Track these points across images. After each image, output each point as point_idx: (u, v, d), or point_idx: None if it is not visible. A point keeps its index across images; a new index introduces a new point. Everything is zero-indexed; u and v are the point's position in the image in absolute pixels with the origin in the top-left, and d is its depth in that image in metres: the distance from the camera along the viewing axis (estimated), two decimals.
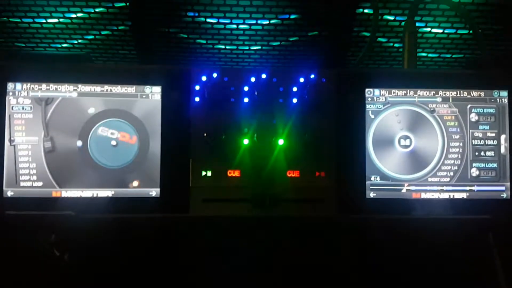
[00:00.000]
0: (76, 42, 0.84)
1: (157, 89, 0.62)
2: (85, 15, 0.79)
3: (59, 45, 0.85)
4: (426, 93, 0.64)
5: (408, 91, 0.64)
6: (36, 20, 0.80)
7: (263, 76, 0.64)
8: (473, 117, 0.64)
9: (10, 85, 0.61)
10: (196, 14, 0.80)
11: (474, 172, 0.64)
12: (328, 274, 0.66)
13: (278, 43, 0.84)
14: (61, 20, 0.80)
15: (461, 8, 0.74)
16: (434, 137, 0.64)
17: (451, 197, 0.63)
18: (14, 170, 0.60)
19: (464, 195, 0.63)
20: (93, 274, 0.64)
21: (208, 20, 0.80)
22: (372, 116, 0.64)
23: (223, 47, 0.86)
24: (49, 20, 0.80)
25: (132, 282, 0.65)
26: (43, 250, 0.63)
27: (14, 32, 0.82)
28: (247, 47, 0.86)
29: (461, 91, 0.64)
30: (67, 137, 0.61)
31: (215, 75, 0.63)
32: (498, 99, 0.64)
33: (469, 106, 0.64)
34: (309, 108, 0.63)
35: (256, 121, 0.63)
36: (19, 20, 0.80)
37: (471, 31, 0.79)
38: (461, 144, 0.64)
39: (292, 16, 0.80)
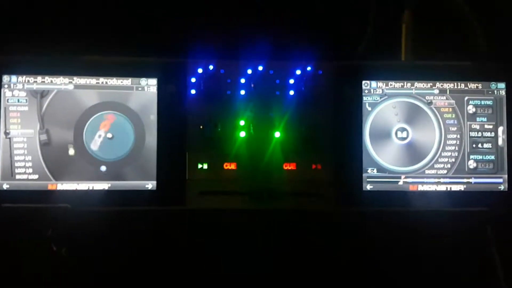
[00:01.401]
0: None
1: (153, 82, 0.62)
2: None
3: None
4: (423, 85, 0.64)
5: (405, 83, 0.64)
6: None
7: (260, 68, 0.64)
8: (471, 109, 0.64)
9: (5, 78, 0.61)
10: None
11: (472, 164, 0.63)
12: (324, 267, 0.66)
13: (276, 35, 0.84)
14: None
15: (460, 1, 0.74)
16: (431, 129, 0.64)
17: (449, 189, 0.63)
18: (9, 162, 0.60)
19: (461, 187, 0.63)
20: (89, 267, 0.64)
21: None
22: (369, 108, 0.64)
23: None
24: None
25: (129, 275, 0.65)
26: (40, 243, 0.62)
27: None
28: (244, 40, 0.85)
29: (459, 83, 0.64)
30: (62, 129, 0.61)
31: (211, 67, 0.63)
32: (495, 91, 0.64)
33: (466, 98, 0.64)
34: (306, 100, 0.63)
35: (252, 114, 0.63)
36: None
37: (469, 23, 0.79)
38: (458, 136, 0.64)
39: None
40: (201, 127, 0.62)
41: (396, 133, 0.64)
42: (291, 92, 0.63)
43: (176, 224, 0.64)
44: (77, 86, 0.61)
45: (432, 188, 0.63)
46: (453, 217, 0.63)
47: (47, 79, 0.61)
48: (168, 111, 0.62)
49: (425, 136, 0.64)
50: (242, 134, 0.63)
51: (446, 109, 0.64)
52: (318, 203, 0.62)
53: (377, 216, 0.63)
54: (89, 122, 0.61)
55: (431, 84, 0.64)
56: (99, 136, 0.61)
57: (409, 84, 0.64)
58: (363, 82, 0.64)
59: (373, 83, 0.64)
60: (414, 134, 0.64)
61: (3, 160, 0.60)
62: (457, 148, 0.63)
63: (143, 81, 0.62)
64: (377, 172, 0.63)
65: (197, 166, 0.62)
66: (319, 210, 0.63)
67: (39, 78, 0.61)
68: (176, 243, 0.66)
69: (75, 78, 0.61)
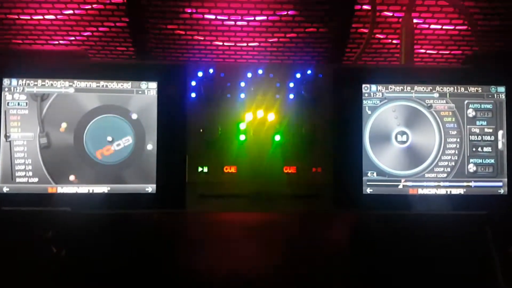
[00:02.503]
0: (73, 39, 0.84)
1: (153, 85, 0.62)
2: (83, 11, 0.79)
3: (56, 42, 0.85)
4: (423, 89, 0.64)
5: (405, 87, 0.64)
6: (34, 17, 0.80)
7: (260, 71, 0.64)
8: (471, 112, 0.64)
9: (5, 81, 0.61)
10: (194, 11, 0.79)
11: (471, 168, 0.63)
12: (324, 269, 0.66)
13: (276, 39, 0.84)
14: (58, 17, 0.80)
15: (459, 4, 0.74)
16: (431, 132, 0.64)
17: (448, 193, 0.63)
18: (9, 166, 0.60)
19: (461, 191, 0.63)
20: (88, 270, 0.64)
21: (206, 16, 0.80)
22: (369, 112, 0.64)
23: (221, 43, 0.85)
24: (47, 17, 0.80)
25: (128, 278, 0.65)
26: (40, 246, 0.63)
27: (12, 29, 0.82)
28: (245, 44, 0.86)
29: (459, 87, 0.64)
30: (62, 133, 0.61)
31: (211, 70, 0.63)
32: (495, 95, 0.64)
33: (466, 101, 0.64)
34: (306, 103, 0.63)
35: (252, 117, 0.63)
36: (16, 17, 0.80)
37: (469, 27, 0.79)
38: (458, 140, 0.64)
39: (290, 13, 0.80)
40: (201, 130, 0.62)
41: (396, 137, 0.64)
42: (291, 96, 0.63)
43: (175, 227, 0.64)
44: (77, 90, 0.61)
45: (432, 191, 0.63)
46: (453, 221, 0.63)
47: (47, 82, 0.61)
48: (168, 114, 0.62)
49: (425, 139, 0.64)
50: (242, 137, 0.63)
51: (446, 113, 0.64)
52: (318, 206, 0.62)
53: (377, 219, 0.64)
54: (89, 125, 0.61)
55: (431, 87, 0.64)
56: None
57: (409, 88, 0.64)
58: (363, 85, 0.64)
59: (373, 87, 0.64)
60: (414, 138, 0.64)
61: (3, 163, 0.60)
62: (457, 152, 0.63)
63: (143, 84, 0.62)
64: (377, 175, 0.63)
65: (197, 169, 0.62)
66: (319, 213, 0.63)
67: (39, 81, 0.61)
68: (176, 246, 0.66)
69: (75, 81, 0.61)
